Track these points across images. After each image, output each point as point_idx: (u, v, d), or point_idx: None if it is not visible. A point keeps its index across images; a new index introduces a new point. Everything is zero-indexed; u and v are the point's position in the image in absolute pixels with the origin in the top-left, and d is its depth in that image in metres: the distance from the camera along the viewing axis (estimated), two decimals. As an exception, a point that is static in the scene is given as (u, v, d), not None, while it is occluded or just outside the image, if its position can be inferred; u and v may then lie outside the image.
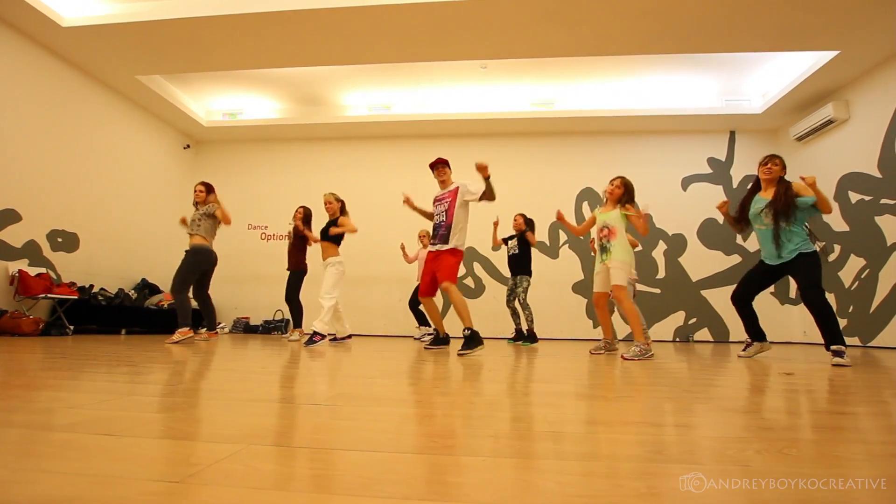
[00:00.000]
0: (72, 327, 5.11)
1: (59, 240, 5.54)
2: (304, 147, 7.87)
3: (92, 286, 5.74)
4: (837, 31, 4.98)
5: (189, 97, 7.22)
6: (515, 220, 5.45)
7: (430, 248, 3.73)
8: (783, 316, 6.74)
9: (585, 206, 7.26)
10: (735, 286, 3.56)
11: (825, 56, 5.50)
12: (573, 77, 6.65)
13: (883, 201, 5.36)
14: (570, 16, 4.90)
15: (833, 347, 2.96)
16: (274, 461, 0.82)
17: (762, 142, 7.12)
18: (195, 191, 4.63)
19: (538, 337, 5.33)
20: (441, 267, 3.52)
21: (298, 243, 5.31)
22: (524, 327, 5.22)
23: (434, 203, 3.85)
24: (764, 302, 6.86)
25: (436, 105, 7.26)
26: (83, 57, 5.61)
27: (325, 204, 4.73)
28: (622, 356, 3.30)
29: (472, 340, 3.33)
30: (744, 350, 3.59)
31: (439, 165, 3.82)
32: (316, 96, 7.27)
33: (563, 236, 7.26)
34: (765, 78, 6.49)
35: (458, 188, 3.69)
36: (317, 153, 7.85)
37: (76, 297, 5.26)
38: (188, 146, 7.74)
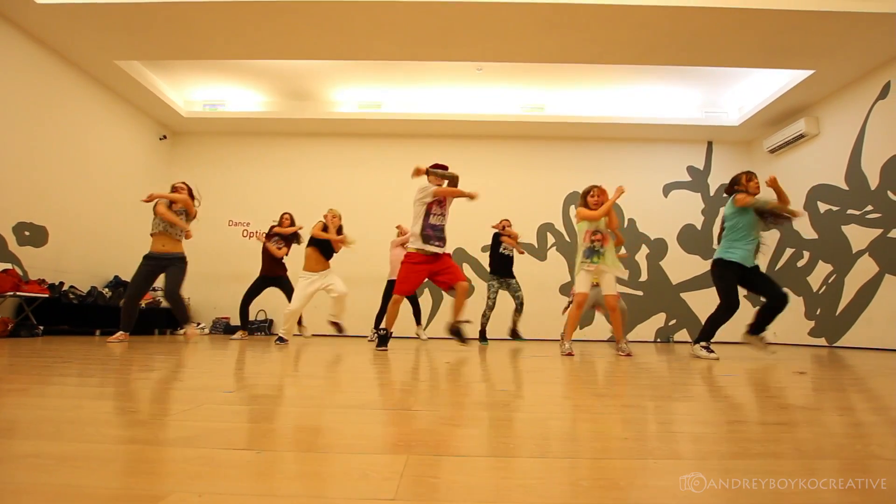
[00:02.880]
0: (41, 328, 4.75)
1: (27, 233, 5.12)
2: (289, 142, 7.63)
3: (62, 283, 5.34)
4: (814, 53, 5.33)
5: (167, 85, 6.85)
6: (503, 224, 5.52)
7: (435, 248, 3.79)
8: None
9: (572, 209, 7.42)
10: (731, 303, 3.63)
11: (800, 75, 5.87)
12: (563, 83, 6.78)
13: (849, 212, 5.77)
14: (572, 24, 4.99)
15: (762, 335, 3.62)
16: (464, 472, 0.79)
17: (737, 153, 7.52)
18: (176, 188, 4.38)
19: (522, 336, 5.61)
20: (454, 268, 3.78)
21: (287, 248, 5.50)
22: (494, 325, 5.50)
23: (434, 202, 3.85)
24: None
25: (427, 105, 7.21)
26: (58, 38, 5.20)
27: (333, 219, 4.70)
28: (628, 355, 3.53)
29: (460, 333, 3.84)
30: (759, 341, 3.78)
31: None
32: (304, 91, 7.07)
33: (550, 238, 7.39)
34: (742, 92, 6.85)
35: None
36: (302, 149, 7.63)
37: (47, 296, 4.89)
38: (164, 137, 7.34)
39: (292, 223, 5.55)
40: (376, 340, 4.06)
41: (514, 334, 5.44)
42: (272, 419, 1.18)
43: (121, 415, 1.21)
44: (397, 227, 6.06)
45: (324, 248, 4.71)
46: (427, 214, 3.78)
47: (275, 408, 1.35)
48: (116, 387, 1.70)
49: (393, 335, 3.92)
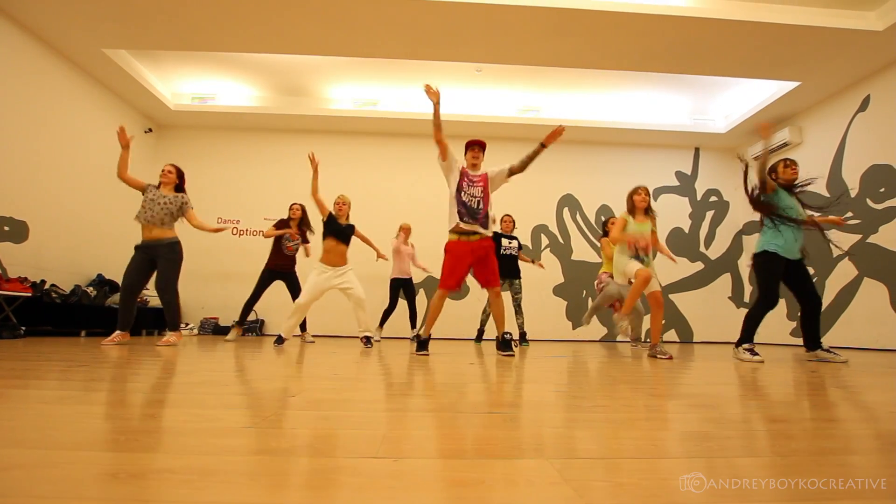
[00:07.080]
0: (23, 328, 4.50)
1: (6, 228, 4.84)
2: (281, 139, 7.46)
3: (44, 282, 5.07)
4: (801, 65, 5.58)
5: (155, 76, 6.59)
6: (505, 221, 5.57)
7: (467, 226, 3.50)
8: (740, 318, 7.40)
9: (566, 211, 7.53)
10: (771, 301, 3.49)
11: (786, 86, 6.13)
12: (560, 87, 6.88)
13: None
14: (573, 29, 5.07)
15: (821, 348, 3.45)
16: (623, 474, 0.79)
17: (723, 159, 7.79)
18: (164, 171, 4.08)
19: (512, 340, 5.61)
20: (493, 267, 3.56)
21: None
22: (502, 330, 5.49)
23: (464, 180, 3.57)
24: (724, 304, 7.48)
25: (424, 104, 7.16)
26: (42, 23, 4.94)
27: (343, 206, 4.68)
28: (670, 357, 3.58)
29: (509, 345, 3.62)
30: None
31: (476, 147, 3.68)
32: (297, 86, 6.93)
33: (545, 240, 7.48)
34: (729, 101, 7.10)
35: (486, 175, 3.65)
36: (295, 146, 7.47)
37: (29, 295, 4.63)
38: (150, 130, 7.06)
39: (304, 214, 5.25)
40: (416, 343, 3.73)
41: (521, 337, 5.38)
42: (366, 426, 1.15)
43: (201, 423, 1.15)
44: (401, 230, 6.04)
45: (340, 239, 4.53)
46: (458, 191, 3.54)
47: (356, 413, 1.31)
48: (161, 393, 1.62)
49: (430, 337, 3.67)
